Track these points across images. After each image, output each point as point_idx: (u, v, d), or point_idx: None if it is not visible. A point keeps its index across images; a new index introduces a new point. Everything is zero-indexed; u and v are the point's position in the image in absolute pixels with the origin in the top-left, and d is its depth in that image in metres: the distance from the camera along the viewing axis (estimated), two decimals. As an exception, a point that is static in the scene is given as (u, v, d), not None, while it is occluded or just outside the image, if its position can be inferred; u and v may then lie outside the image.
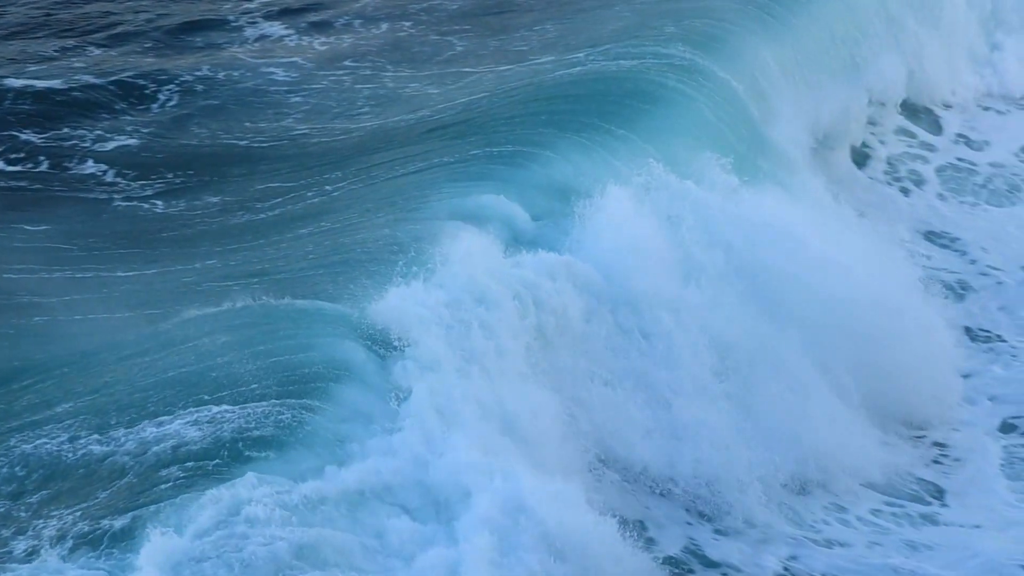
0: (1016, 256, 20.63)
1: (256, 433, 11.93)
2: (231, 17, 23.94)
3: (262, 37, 23.36)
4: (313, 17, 24.08)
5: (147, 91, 21.31)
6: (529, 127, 17.42)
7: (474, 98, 19.41)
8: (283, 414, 12.19)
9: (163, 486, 11.39)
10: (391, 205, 16.08)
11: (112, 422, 12.32)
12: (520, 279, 14.37)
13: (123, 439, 12.05)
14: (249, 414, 12.13)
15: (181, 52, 22.67)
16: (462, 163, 16.81)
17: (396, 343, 13.32)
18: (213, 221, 17.64)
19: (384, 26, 23.70)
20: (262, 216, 17.61)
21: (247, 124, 20.45)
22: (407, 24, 23.70)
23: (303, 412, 12.27)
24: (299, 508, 11.24)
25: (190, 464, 11.55)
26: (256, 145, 19.84)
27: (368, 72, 21.94)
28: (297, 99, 21.16)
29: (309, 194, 17.88)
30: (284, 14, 24.10)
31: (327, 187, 17.95)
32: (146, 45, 22.94)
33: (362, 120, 20.06)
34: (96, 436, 12.18)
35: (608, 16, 22.03)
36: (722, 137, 17.99)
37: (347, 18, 24.06)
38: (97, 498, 11.50)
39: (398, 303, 13.56)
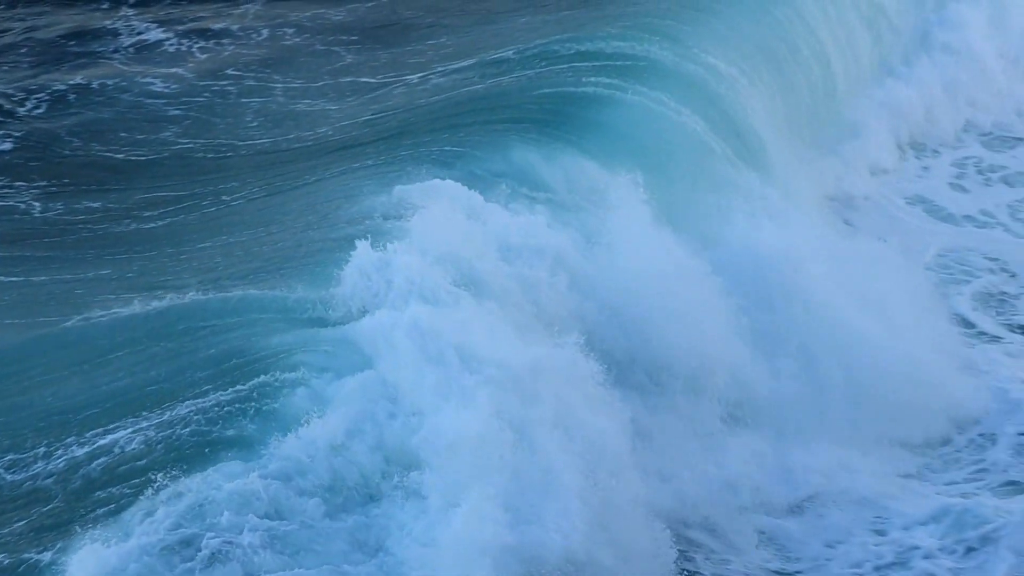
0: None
1: (215, 434, 10.72)
2: (108, 22, 22.77)
3: (139, 46, 22.18)
4: (192, 25, 22.94)
5: (16, 99, 20.39)
6: (470, 132, 15.93)
7: (382, 113, 18.20)
8: (244, 408, 10.99)
9: (100, 510, 10.11)
10: (312, 211, 14.77)
11: (27, 444, 11.01)
12: (498, 236, 13.34)
13: (44, 461, 10.72)
14: (203, 416, 10.87)
15: (56, 62, 21.65)
16: (390, 164, 15.35)
17: (358, 313, 12.19)
18: (97, 228, 16.66)
19: (265, 32, 22.60)
20: (151, 225, 16.55)
21: (123, 135, 19.55)
22: (290, 32, 22.61)
23: (264, 403, 11.10)
24: (272, 499, 10.22)
25: (136, 481, 10.20)
26: (134, 158, 18.94)
27: (253, 83, 20.82)
28: (176, 112, 20.10)
29: (204, 203, 16.72)
30: (162, 23, 22.94)
31: (224, 197, 16.81)
32: (20, 52, 21.88)
33: (252, 135, 18.93)
34: (13, 457, 10.83)
35: (509, 28, 21.05)
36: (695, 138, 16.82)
37: (225, 23, 22.92)
38: (12, 527, 10.20)
39: (354, 277, 12.34)
